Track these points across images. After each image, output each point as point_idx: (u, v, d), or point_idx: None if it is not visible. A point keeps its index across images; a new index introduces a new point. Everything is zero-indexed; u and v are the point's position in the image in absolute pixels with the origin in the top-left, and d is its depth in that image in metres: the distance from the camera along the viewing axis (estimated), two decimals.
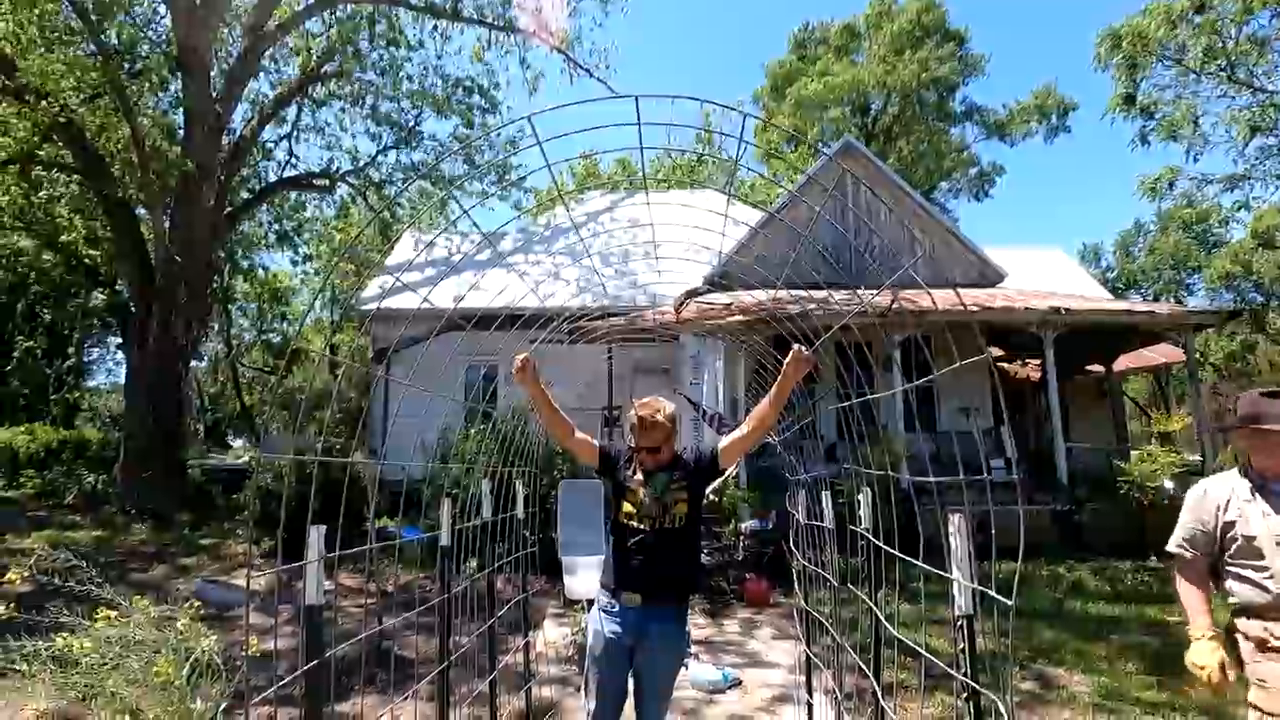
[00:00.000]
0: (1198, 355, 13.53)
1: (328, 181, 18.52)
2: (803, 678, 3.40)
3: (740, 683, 4.87)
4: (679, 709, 4.38)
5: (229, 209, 15.50)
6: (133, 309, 13.80)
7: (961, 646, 1.40)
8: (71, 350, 25.92)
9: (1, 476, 14.97)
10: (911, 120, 30.23)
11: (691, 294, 11.19)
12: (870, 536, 2.22)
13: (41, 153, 14.59)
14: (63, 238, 16.58)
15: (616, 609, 2.72)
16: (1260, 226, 29.55)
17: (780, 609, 6.82)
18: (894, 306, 9.61)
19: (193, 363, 19.56)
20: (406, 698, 4.04)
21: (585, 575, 6.61)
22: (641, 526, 2.74)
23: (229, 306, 27.15)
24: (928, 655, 1.84)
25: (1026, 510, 8.80)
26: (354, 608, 7.05)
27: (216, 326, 28.94)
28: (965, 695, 1.39)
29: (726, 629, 6.33)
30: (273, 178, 18.92)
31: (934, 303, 4.24)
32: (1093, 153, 67.65)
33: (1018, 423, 13.26)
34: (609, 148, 12.11)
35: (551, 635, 6.00)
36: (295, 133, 18.60)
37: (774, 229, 12.04)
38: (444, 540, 2.42)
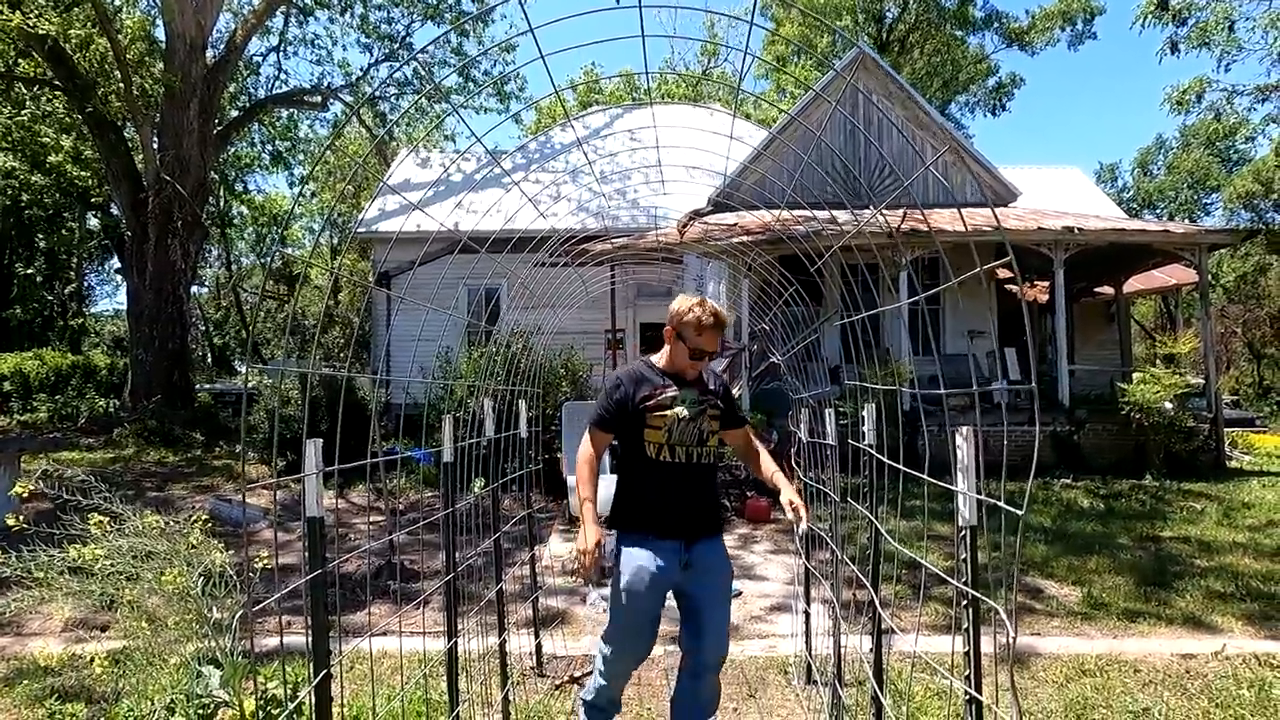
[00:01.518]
0: (1209, 277, 13.31)
1: (320, 98, 17.87)
2: (801, 589, 3.50)
3: (740, 594, 5.04)
4: (671, 618, 4.54)
5: (219, 127, 15.03)
6: (127, 233, 13.62)
7: (964, 557, 1.40)
8: (72, 275, 25.79)
9: (15, 400, 15.17)
10: (928, 28, 28.74)
11: (696, 214, 10.94)
12: (873, 452, 2.22)
13: (20, 68, 14.03)
14: (50, 158, 16.19)
15: (658, 545, 2.36)
16: None
17: (778, 525, 7.00)
18: (902, 227, 9.40)
19: (195, 288, 19.45)
20: (415, 605, 4.19)
21: None
22: (675, 459, 2.35)
23: (227, 230, 26.80)
24: (928, 565, 1.86)
25: (1028, 431, 8.88)
26: (365, 525, 7.26)
27: (216, 251, 28.65)
28: (966, 603, 1.40)
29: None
30: (262, 94, 18.26)
31: (963, 220, 4.08)
32: (1116, 68, 64.67)
33: (1024, 345, 13.22)
34: (611, 59, 11.60)
35: (558, 550, 6.19)
36: (283, 45, 17.83)
37: (781, 147, 11.65)
38: (446, 457, 2.43)
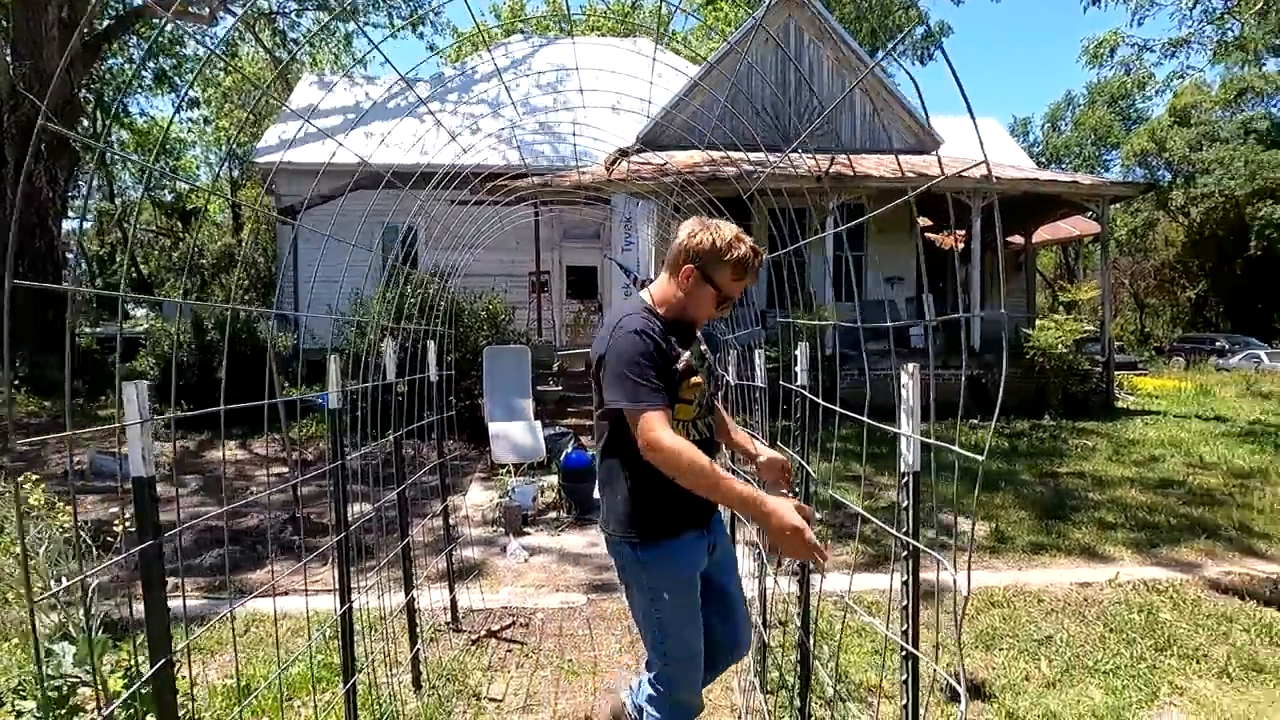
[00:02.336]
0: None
1: (207, 11, 16.04)
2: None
3: None
4: (593, 566, 4.45)
5: (87, 38, 13.31)
6: None
7: (905, 505, 1.28)
8: None
9: None
10: None
11: (624, 153, 10.54)
12: (806, 393, 2.09)
13: None
14: None
15: (695, 544, 1.88)
16: (1178, 104, 30.24)
17: None
18: (830, 170, 9.35)
19: (73, 222, 17.55)
20: (314, 558, 3.92)
21: (509, 441, 6.52)
22: (703, 434, 1.89)
23: (107, 158, 24.18)
24: (864, 513, 1.76)
25: (940, 375, 9.20)
26: (268, 477, 6.80)
27: (96, 181, 25.96)
28: (906, 554, 1.28)
29: None
30: (138, 1, 16.25)
31: (911, 168, 3.98)
32: (1035, 25, 66.58)
33: (940, 291, 13.67)
34: None
35: (478, 499, 5.98)
36: None
37: (713, 82, 11.31)
38: (333, 403, 2.14)
